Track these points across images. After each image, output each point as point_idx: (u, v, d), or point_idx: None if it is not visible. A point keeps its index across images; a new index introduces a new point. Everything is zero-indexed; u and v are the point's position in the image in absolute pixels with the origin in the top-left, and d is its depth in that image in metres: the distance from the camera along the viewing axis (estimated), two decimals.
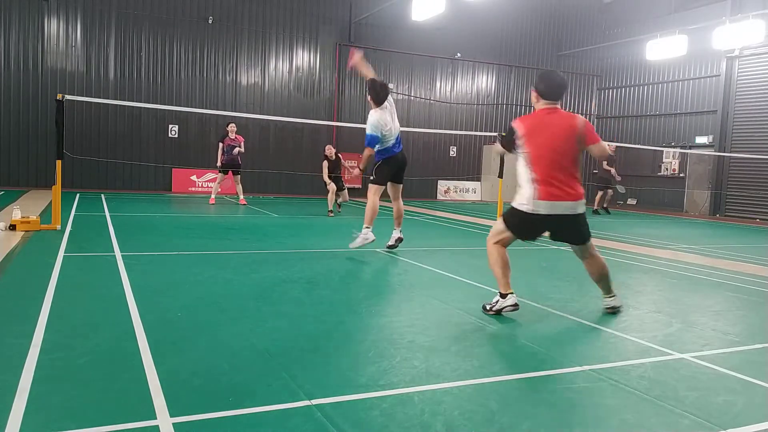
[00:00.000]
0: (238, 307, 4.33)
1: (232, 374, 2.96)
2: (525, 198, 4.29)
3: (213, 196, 14.08)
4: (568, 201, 4.23)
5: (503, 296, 4.33)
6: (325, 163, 12.96)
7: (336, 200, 12.96)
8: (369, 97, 7.06)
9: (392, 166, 7.05)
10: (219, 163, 13.48)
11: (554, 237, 4.54)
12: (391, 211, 7.38)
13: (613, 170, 16.26)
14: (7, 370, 2.87)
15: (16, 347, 3.18)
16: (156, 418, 2.41)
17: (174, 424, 2.38)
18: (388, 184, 7.15)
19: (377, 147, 6.92)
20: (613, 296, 4.67)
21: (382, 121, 6.86)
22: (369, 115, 6.98)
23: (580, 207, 4.32)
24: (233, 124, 13.55)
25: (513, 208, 4.41)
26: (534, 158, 4.26)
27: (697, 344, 3.96)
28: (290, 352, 3.35)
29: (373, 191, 7.02)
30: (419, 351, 3.52)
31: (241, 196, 14.16)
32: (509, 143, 4.45)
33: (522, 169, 4.34)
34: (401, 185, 7.28)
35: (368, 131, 6.81)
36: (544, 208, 4.22)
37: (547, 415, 2.68)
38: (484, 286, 5.51)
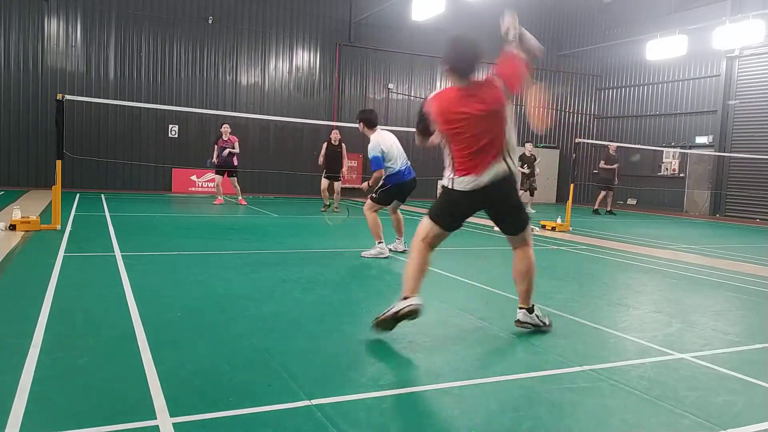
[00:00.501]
0: (238, 307, 4.33)
1: (232, 374, 2.96)
2: (448, 175, 3.85)
3: (219, 196, 13.99)
4: (482, 174, 3.68)
5: (405, 298, 3.71)
6: (324, 145, 13.06)
7: (330, 195, 13.08)
8: (361, 125, 7.11)
9: (400, 192, 7.07)
10: (212, 162, 13.59)
11: (491, 216, 3.99)
12: (384, 209, 7.34)
13: (616, 168, 16.29)
14: (7, 370, 2.87)
15: (16, 347, 3.18)
16: (156, 418, 2.41)
17: (174, 424, 2.38)
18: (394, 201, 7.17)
19: (386, 172, 6.94)
20: (527, 308, 3.96)
21: (378, 139, 6.90)
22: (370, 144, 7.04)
23: (492, 173, 3.68)
24: (227, 125, 13.50)
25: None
26: (451, 140, 3.75)
27: (697, 344, 3.96)
28: (290, 352, 3.35)
29: (370, 207, 7.05)
30: (419, 351, 3.52)
31: (240, 197, 14.16)
32: (424, 129, 4.03)
33: (445, 150, 3.86)
34: (402, 203, 7.31)
35: (370, 155, 6.89)
36: (467, 183, 3.72)
37: (547, 415, 2.68)
38: (484, 286, 5.51)
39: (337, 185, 13.15)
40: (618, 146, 16.83)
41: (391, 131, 7.37)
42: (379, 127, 7.10)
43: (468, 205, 3.85)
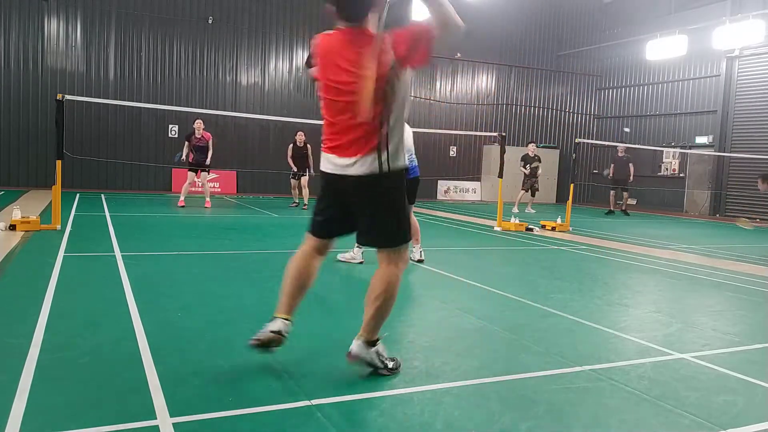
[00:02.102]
0: (238, 307, 4.33)
1: (232, 374, 2.96)
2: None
3: (182, 197, 12.91)
4: (343, 157, 2.92)
5: (273, 318, 3.08)
6: (291, 147, 13.35)
7: (300, 193, 13.40)
8: None
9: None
10: (180, 158, 12.75)
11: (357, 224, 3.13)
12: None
13: (631, 170, 16.36)
14: (7, 370, 2.87)
15: (16, 347, 3.18)
16: (156, 418, 2.41)
17: (174, 424, 2.38)
18: None
19: None
20: (368, 341, 3.04)
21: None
22: None
23: (357, 167, 2.89)
24: (200, 121, 12.67)
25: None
26: (321, 95, 3.02)
27: (697, 344, 3.96)
28: (290, 352, 3.35)
29: None
30: (419, 351, 3.52)
31: (208, 198, 13.13)
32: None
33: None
34: (412, 205, 6.75)
35: None
36: (323, 162, 3.01)
37: (547, 415, 2.68)
38: (484, 286, 5.51)
39: (304, 180, 13.48)
40: (626, 147, 16.87)
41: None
42: None
43: (335, 195, 3.04)
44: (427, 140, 20.71)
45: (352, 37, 2.91)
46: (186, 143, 12.76)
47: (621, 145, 16.79)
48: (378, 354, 3.04)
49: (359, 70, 2.79)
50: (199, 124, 12.60)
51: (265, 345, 2.99)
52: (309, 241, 3.17)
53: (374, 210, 2.98)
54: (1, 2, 15.55)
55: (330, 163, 2.96)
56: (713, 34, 16.88)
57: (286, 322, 3.05)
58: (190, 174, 12.83)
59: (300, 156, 13.46)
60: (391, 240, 3.02)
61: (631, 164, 16.51)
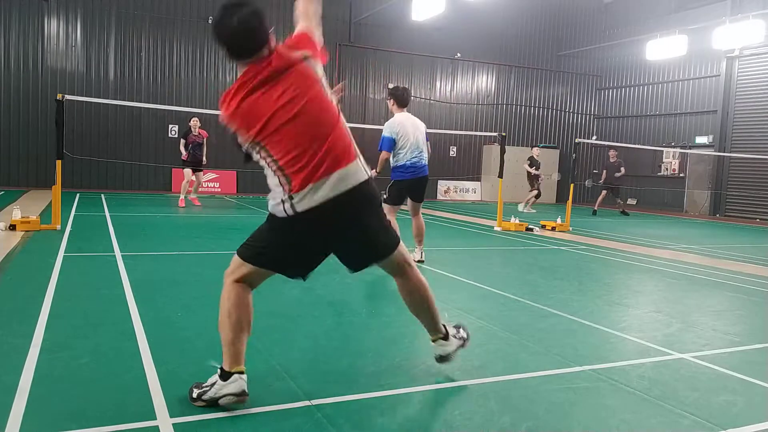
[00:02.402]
0: None
1: None
2: (278, 198, 2.63)
3: (183, 195, 12.91)
4: (337, 170, 2.58)
5: (225, 376, 2.59)
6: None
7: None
8: (391, 102, 6.47)
9: (403, 189, 6.40)
10: (184, 157, 12.45)
11: (337, 252, 2.89)
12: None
13: (622, 171, 16.32)
14: (7, 370, 2.87)
15: (16, 347, 3.18)
16: (156, 419, 2.42)
17: (174, 424, 2.38)
18: (408, 200, 6.56)
19: (392, 161, 6.37)
20: (442, 337, 3.04)
21: (396, 120, 6.30)
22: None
23: (358, 173, 2.65)
24: (196, 118, 12.64)
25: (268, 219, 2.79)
26: (269, 144, 2.59)
27: (697, 344, 3.96)
28: (291, 352, 3.35)
29: (387, 211, 6.48)
30: (419, 351, 3.52)
31: (194, 195, 13.11)
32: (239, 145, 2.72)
33: (268, 170, 2.66)
34: (419, 203, 6.64)
35: (383, 133, 6.35)
36: (311, 196, 2.55)
37: (547, 415, 2.68)
38: (484, 286, 5.51)
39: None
40: (616, 153, 16.72)
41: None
42: (407, 111, 6.45)
43: (316, 234, 2.68)
44: None
45: (265, 67, 2.56)
46: (182, 141, 12.56)
47: (613, 151, 16.76)
48: (456, 337, 3.09)
49: (304, 81, 2.62)
50: (195, 122, 12.51)
51: (239, 402, 2.59)
52: (241, 274, 2.68)
53: (372, 221, 2.78)
54: (1, 2, 15.55)
55: (327, 187, 2.55)
56: (713, 34, 16.87)
57: (244, 376, 2.61)
58: (187, 172, 12.67)
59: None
60: (392, 243, 2.89)
61: (622, 168, 16.45)
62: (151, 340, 3.41)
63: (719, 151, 17.96)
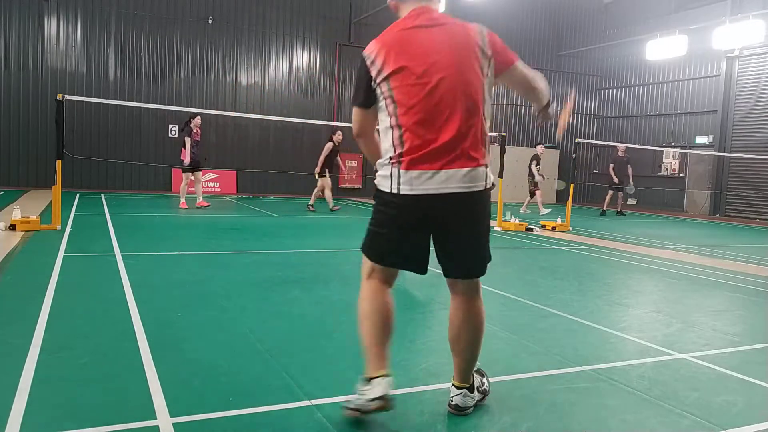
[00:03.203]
0: (239, 307, 4.33)
1: (232, 374, 2.96)
2: (385, 170, 2.47)
3: (183, 199, 12.31)
4: (455, 168, 2.37)
5: (368, 381, 2.47)
6: (329, 146, 12.56)
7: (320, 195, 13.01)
8: None
9: None
10: (187, 161, 11.87)
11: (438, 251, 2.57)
12: None
13: (629, 171, 16.22)
14: (7, 370, 2.87)
15: (16, 347, 3.18)
16: (156, 418, 2.41)
17: (174, 424, 2.38)
18: None
19: None
20: (465, 390, 2.62)
21: None
22: None
23: (478, 180, 2.42)
24: (199, 117, 12.13)
25: (374, 197, 2.60)
26: (402, 100, 2.39)
27: (697, 344, 3.95)
28: (290, 352, 3.35)
29: None
30: (419, 351, 3.52)
31: (201, 198, 12.62)
32: (365, 89, 2.47)
33: (383, 124, 2.48)
34: None
35: None
36: (415, 183, 2.38)
37: (547, 415, 2.67)
38: (484, 286, 5.50)
39: (329, 181, 13.18)
40: (627, 146, 16.74)
41: None
42: None
43: (418, 226, 2.48)
44: None
45: (434, 14, 2.52)
46: (187, 140, 11.89)
47: (621, 145, 16.72)
48: (479, 390, 2.73)
49: (465, 45, 2.48)
50: (198, 121, 12.05)
51: (368, 413, 2.46)
52: (376, 273, 2.59)
53: (474, 235, 2.53)
54: (1, 2, 15.55)
55: (422, 182, 2.36)
56: (713, 34, 16.88)
57: (388, 378, 2.46)
58: (187, 174, 12.23)
59: (334, 156, 12.88)
60: (483, 266, 2.63)
61: (629, 165, 16.42)
62: (151, 340, 3.41)
63: (719, 151, 17.96)
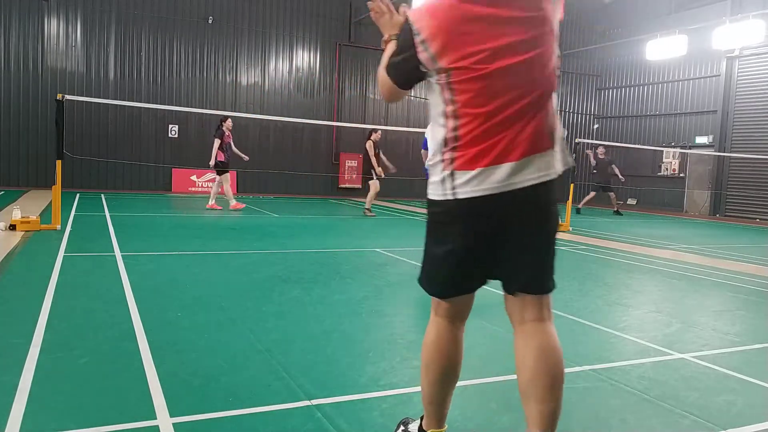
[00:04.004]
0: (238, 307, 4.33)
1: (232, 374, 2.96)
2: (438, 174, 2.00)
3: (213, 201, 12.55)
4: (533, 155, 1.92)
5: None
6: (372, 145, 12.12)
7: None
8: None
9: None
10: (214, 162, 12.06)
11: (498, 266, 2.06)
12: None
13: (617, 170, 16.21)
14: (7, 370, 2.87)
15: (16, 347, 3.18)
16: (156, 418, 2.41)
17: (174, 424, 2.38)
18: None
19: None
20: None
21: None
22: None
23: (555, 164, 1.98)
24: (231, 120, 12.58)
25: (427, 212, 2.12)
26: (467, 83, 1.91)
27: (697, 344, 3.95)
28: (290, 352, 3.35)
29: None
30: (419, 351, 3.51)
31: (214, 201, 12.62)
32: (409, 71, 2.02)
33: (436, 110, 2.00)
34: None
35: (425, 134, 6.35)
36: (474, 183, 1.92)
37: None
38: (484, 286, 5.50)
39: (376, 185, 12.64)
40: (603, 150, 16.60)
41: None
42: None
43: (487, 228, 1.98)
44: None
45: None
46: (217, 142, 12.05)
47: (600, 147, 16.66)
48: None
49: (540, 12, 1.94)
50: (230, 123, 12.40)
51: None
52: (443, 310, 2.16)
53: (544, 236, 2.02)
54: (1, 2, 15.54)
55: (487, 181, 1.91)
56: (713, 34, 16.88)
57: None
58: (226, 175, 12.45)
59: (378, 155, 12.56)
60: (550, 279, 2.09)
61: (613, 165, 16.34)
62: (151, 340, 3.41)
63: (719, 151, 17.96)
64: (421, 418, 2.23)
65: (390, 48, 2.11)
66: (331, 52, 19.41)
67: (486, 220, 1.95)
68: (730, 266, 7.62)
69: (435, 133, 2.02)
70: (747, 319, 4.81)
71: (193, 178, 17.55)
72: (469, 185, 1.92)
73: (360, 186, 19.39)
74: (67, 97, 8.49)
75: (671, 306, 5.22)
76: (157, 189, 17.19)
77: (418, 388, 2.92)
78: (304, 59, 19.08)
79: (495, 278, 2.10)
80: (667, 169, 20.17)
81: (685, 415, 2.74)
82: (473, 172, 1.91)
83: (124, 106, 16.06)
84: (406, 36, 1.99)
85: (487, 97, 1.90)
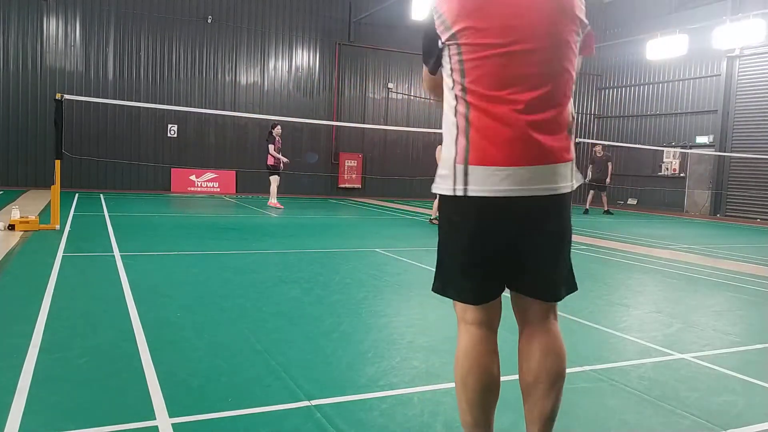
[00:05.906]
0: (238, 307, 4.32)
1: (231, 374, 2.95)
2: (447, 166, 1.94)
3: (276, 200, 13.48)
4: (544, 164, 1.85)
5: None
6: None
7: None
8: None
9: None
10: (271, 162, 13.15)
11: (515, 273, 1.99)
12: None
13: (610, 168, 16.22)
14: (7, 370, 2.86)
15: (16, 347, 3.17)
16: (155, 419, 2.41)
17: (173, 424, 2.38)
18: None
19: None
20: None
21: None
22: None
23: (565, 178, 1.91)
24: (280, 126, 13.43)
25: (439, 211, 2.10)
26: (478, 61, 1.85)
27: (697, 344, 3.95)
28: (290, 352, 3.35)
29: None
30: (419, 351, 3.51)
31: (275, 199, 13.61)
32: (429, 42, 2.05)
33: (448, 95, 1.98)
34: None
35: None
36: (488, 182, 1.85)
37: None
38: None
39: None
40: (603, 148, 16.65)
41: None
42: None
43: (501, 230, 1.92)
44: (427, 140, 20.69)
45: None
46: (270, 146, 13.03)
47: (599, 145, 16.68)
48: None
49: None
50: (279, 129, 13.26)
51: None
52: (475, 317, 2.01)
53: (558, 244, 1.98)
54: (0, 2, 15.53)
55: (503, 179, 1.82)
56: (713, 33, 16.87)
57: None
58: (275, 177, 13.37)
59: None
60: (562, 287, 2.07)
61: (609, 164, 16.37)
62: (150, 340, 3.41)
63: (719, 151, 17.95)
64: None
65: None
66: (331, 51, 19.40)
67: (499, 222, 1.89)
68: (731, 266, 7.61)
69: (447, 114, 1.97)
70: (747, 320, 4.80)
71: (192, 177, 17.56)
72: (484, 183, 1.84)
73: (360, 186, 19.39)
74: (66, 96, 8.48)
75: (671, 306, 5.22)
76: (156, 189, 17.19)
77: (418, 389, 2.92)
78: (304, 59, 19.08)
79: (509, 282, 2.02)
80: (667, 168, 20.16)
81: (686, 416, 2.74)
82: (490, 169, 1.83)
83: (123, 105, 16.05)
84: (429, 19, 2.00)
85: (498, 79, 1.82)
